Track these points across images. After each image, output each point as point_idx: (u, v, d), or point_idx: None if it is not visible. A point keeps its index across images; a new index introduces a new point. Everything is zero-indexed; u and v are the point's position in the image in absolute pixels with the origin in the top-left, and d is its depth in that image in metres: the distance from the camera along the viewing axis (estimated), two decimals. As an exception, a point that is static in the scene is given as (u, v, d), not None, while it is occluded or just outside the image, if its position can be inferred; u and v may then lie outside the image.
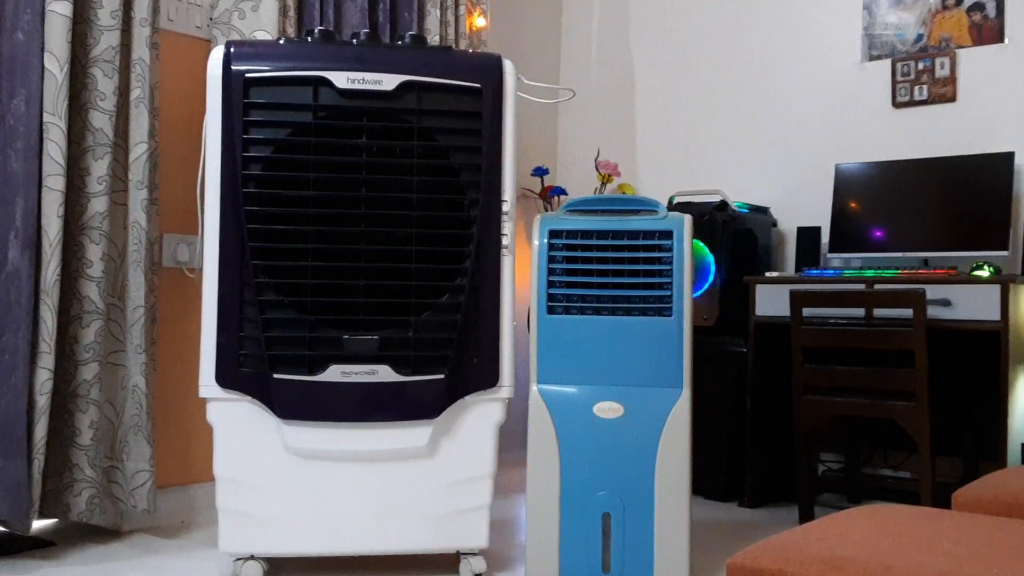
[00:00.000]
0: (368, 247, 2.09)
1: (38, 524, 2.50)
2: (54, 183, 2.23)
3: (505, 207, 2.16)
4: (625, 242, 2.15)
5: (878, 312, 2.70)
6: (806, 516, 2.77)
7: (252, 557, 2.09)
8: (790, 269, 3.41)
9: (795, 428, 2.79)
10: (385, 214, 2.09)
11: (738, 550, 2.43)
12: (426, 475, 2.10)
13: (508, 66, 2.17)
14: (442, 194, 2.13)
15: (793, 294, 2.76)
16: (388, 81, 2.08)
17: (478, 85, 2.13)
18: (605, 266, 2.14)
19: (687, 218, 2.15)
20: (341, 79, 2.06)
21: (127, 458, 2.40)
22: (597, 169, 3.80)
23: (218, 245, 2.06)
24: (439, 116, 2.12)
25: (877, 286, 2.79)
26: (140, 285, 2.40)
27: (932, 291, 2.70)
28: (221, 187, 2.05)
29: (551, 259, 2.17)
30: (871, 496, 3.07)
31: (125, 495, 2.40)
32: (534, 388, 2.15)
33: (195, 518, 2.67)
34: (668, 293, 2.12)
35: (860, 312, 2.75)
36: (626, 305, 2.13)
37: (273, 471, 2.07)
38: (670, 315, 2.12)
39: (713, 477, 3.07)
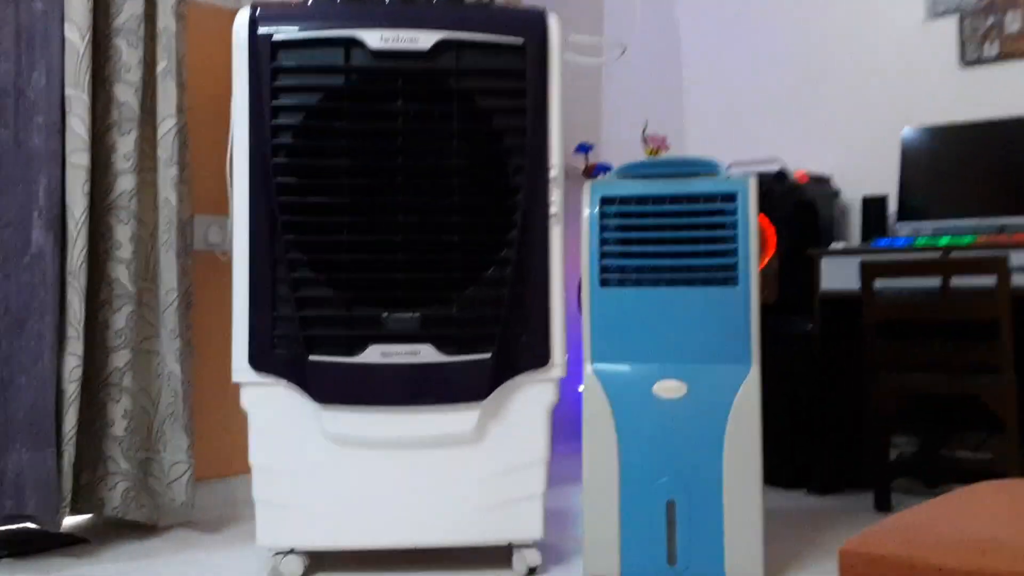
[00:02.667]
0: (407, 219, 1.95)
1: (71, 521, 2.40)
2: (78, 159, 2.13)
3: (552, 172, 2.01)
4: (684, 207, 1.98)
5: (955, 282, 2.50)
6: (883, 503, 2.58)
7: (292, 551, 1.97)
8: (855, 241, 3.21)
9: (868, 409, 2.60)
10: (424, 183, 1.95)
11: (814, 540, 2.27)
12: (474, 462, 1.96)
13: (553, 20, 2.01)
14: (484, 160, 1.98)
15: (864, 265, 2.57)
16: (424, 39, 1.93)
17: (521, 41, 1.97)
18: (663, 234, 1.98)
19: (752, 179, 1.98)
20: (374, 39, 1.92)
21: (164, 449, 2.30)
22: (645, 142, 3.63)
23: (248, 220, 1.93)
24: (479, 76, 1.97)
25: (954, 254, 2.59)
26: (172, 268, 2.29)
27: (1014, 257, 2.49)
28: (250, 158, 1.93)
29: (603, 228, 2.01)
30: (950, 480, 2.87)
31: (162, 488, 2.29)
32: (588, 367, 2.00)
33: (236, 511, 2.56)
34: (732, 261, 1.95)
35: (935, 283, 2.55)
36: (687, 275, 1.97)
37: (311, 459, 1.94)
38: (735, 284, 1.95)
39: (778, 464, 2.89)
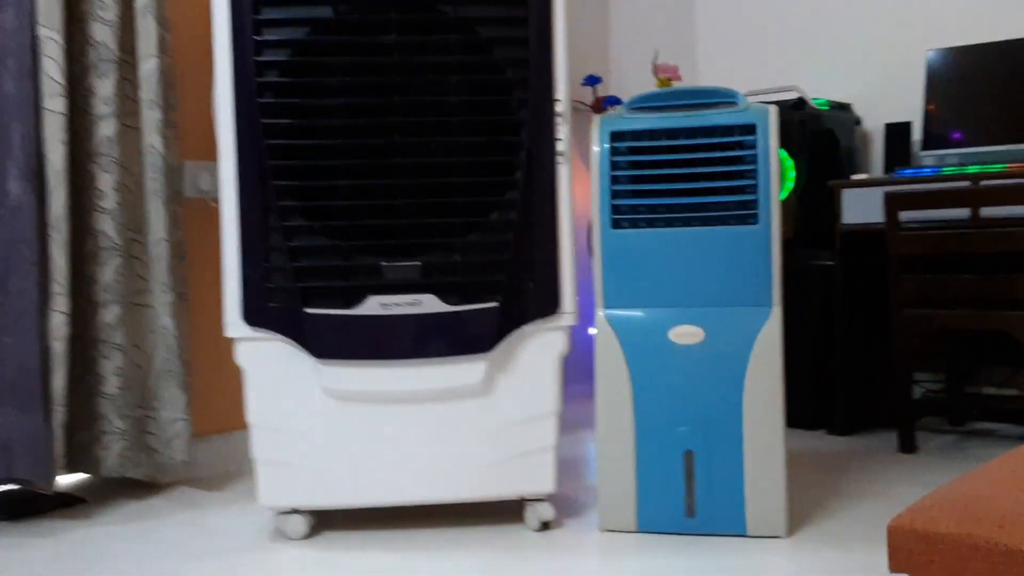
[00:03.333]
0: (404, 160, 1.82)
1: (69, 480, 2.33)
2: (55, 105, 2.00)
3: (558, 107, 1.88)
4: (700, 140, 1.85)
5: (985, 212, 2.37)
6: (907, 443, 2.49)
7: (295, 511, 1.89)
8: (877, 171, 3.07)
9: (893, 346, 2.49)
10: (421, 122, 1.82)
11: (838, 484, 2.19)
12: (483, 415, 1.87)
13: (556, -60, 1.86)
14: (486, 95, 1.85)
15: (888, 196, 2.44)
16: (417, -35, 1.79)
17: (522, -35, 1.83)
18: (677, 170, 1.86)
19: (772, 109, 1.84)
20: (363, -35, 1.77)
21: (160, 407, 2.21)
22: (655, 74, 3.47)
23: (235, 165, 1.82)
24: (479, 3, 1.82)
25: (984, 183, 2.45)
26: (161, 217, 2.18)
27: (1049, 186, 2.35)
28: (235, 98, 1.80)
29: (614, 166, 1.88)
30: (976, 418, 2.78)
31: (160, 446, 2.22)
32: (600, 314, 1.89)
33: (238, 468, 2.49)
34: (752, 197, 1.83)
35: (964, 213, 2.43)
36: (703, 214, 1.85)
37: (312, 416, 1.85)
38: (755, 222, 1.83)
39: (797, 404, 2.80)
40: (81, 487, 2.31)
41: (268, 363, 1.85)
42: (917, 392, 2.93)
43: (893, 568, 0.81)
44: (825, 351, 2.79)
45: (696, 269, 1.85)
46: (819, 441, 2.65)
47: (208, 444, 2.44)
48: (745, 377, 1.82)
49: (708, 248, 1.84)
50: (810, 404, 2.80)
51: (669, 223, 1.86)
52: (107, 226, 2.11)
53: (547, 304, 1.87)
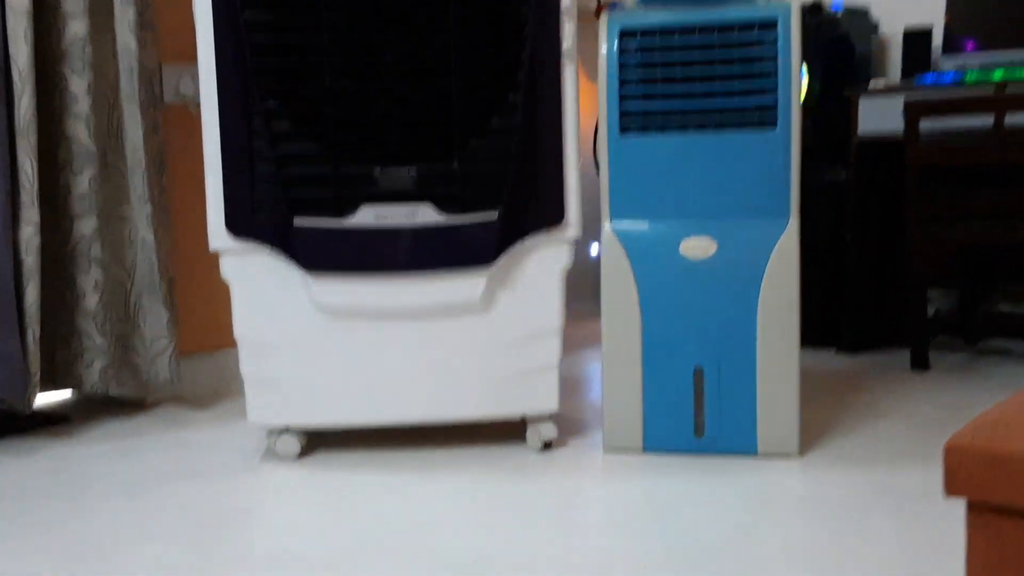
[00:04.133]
0: (398, 59, 1.69)
1: (53, 399, 2.25)
2: (17, 2, 1.85)
3: (564, 3, 1.74)
4: (716, 38, 1.72)
5: (1010, 120, 2.25)
6: (920, 361, 2.41)
7: (287, 430, 1.81)
8: (895, 79, 2.92)
9: (908, 262, 2.39)
10: (416, 17, 1.68)
11: (850, 403, 2.11)
12: (483, 332, 1.77)
13: None
14: (485, -12, 1.71)
15: (908, 105, 2.31)
16: None
17: None
18: (691, 70, 1.73)
19: (794, 3, 1.71)
20: None
21: (143, 323, 2.11)
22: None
23: (215, 64, 1.68)
24: None
25: (1009, 89, 2.32)
26: (138, 123, 2.05)
27: (1079, 92, 2.23)
28: (212, -10, 1.66)
29: (623, 67, 1.75)
30: (991, 335, 2.70)
31: (145, 364, 2.13)
32: (607, 226, 1.78)
33: (228, 387, 2.41)
34: (771, 100, 1.70)
35: (987, 122, 2.30)
36: (719, 117, 1.73)
37: (303, 333, 1.75)
38: (774, 127, 1.71)
39: (805, 321, 2.71)
40: (64, 406, 2.23)
41: (255, 277, 1.74)
42: (930, 310, 2.84)
43: (951, 491, 0.73)
44: (835, 267, 2.70)
45: (709, 178, 1.74)
46: (828, 359, 2.58)
47: (195, 362, 2.35)
48: (760, 292, 1.73)
49: (722, 155, 1.73)
50: (819, 321, 2.71)
51: (681, 128, 1.74)
52: (80, 132, 1.98)
53: (551, 215, 1.76)
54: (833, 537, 1.34)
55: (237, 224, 1.71)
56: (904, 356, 2.58)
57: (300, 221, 1.70)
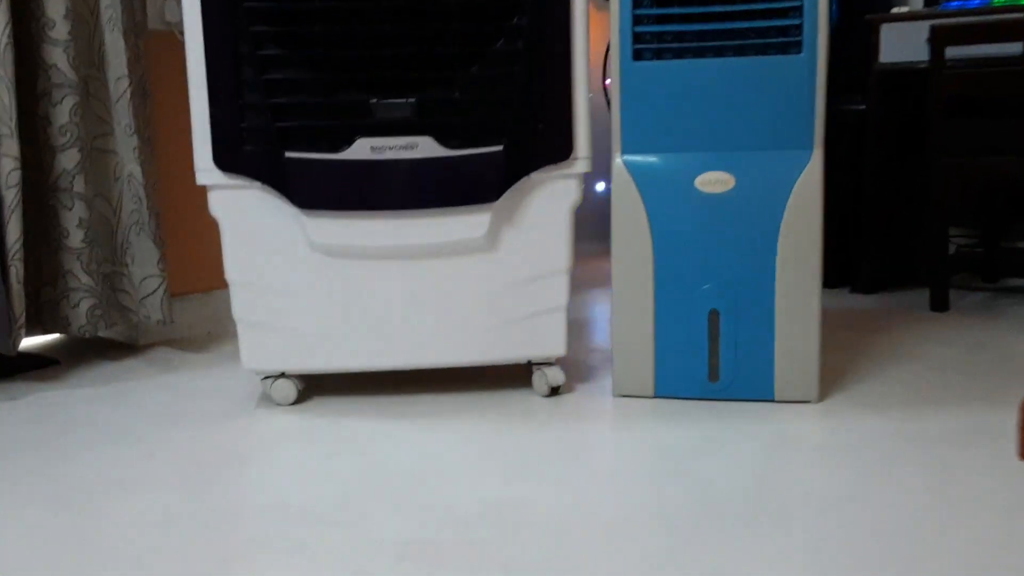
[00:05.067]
0: (395, -22, 1.57)
1: (38, 341, 2.17)
2: (-14, -85, 1.73)
3: (574, -84, 1.61)
4: (737, -44, 1.60)
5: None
6: (939, 301, 2.33)
7: (283, 375, 1.74)
8: (918, 4, 2.79)
9: (929, 198, 2.29)
10: (414, -69, 1.56)
11: (868, 345, 2.03)
12: (487, 273, 1.68)
13: None
14: (489, -100, 1.58)
15: (935, 30, 2.19)
16: None
17: None
18: (710, -9, 1.61)
19: (823, -83, 1.58)
20: None
21: (131, 262, 2.02)
22: None
23: (198, -16, 1.56)
24: None
25: (1043, 15, 2.20)
26: (120, 50, 1.93)
27: (1118, 17, 2.11)
28: (193, -97, 1.53)
29: (636, -13, 1.63)
30: (1010, 274, 2.61)
31: (134, 305, 2.04)
32: (618, 160, 1.68)
33: (223, 329, 2.33)
34: (797, 21, 1.59)
35: (1015, 50, 2.18)
36: (739, 41, 1.61)
37: (297, 273, 1.67)
38: (799, 51, 1.59)
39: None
40: (53, 348, 2.15)
41: (246, 214, 1.65)
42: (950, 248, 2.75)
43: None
44: (852, 204, 2.60)
45: (728, 107, 1.63)
46: (843, 300, 2.49)
47: (188, 303, 2.27)
48: (780, 229, 1.63)
49: (743, 82, 1.62)
50: (834, 261, 2.62)
51: (698, 53, 1.63)
52: (59, 60, 1.86)
53: (558, 148, 1.66)
54: (855, 487, 1.27)
55: (225, 158, 1.61)
56: (921, 296, 2.49)
57: (292, 154, 1.59)
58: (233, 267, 1.67)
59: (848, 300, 2.48)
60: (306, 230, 1.64)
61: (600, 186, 3.39)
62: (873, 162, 2.50)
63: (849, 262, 2.60)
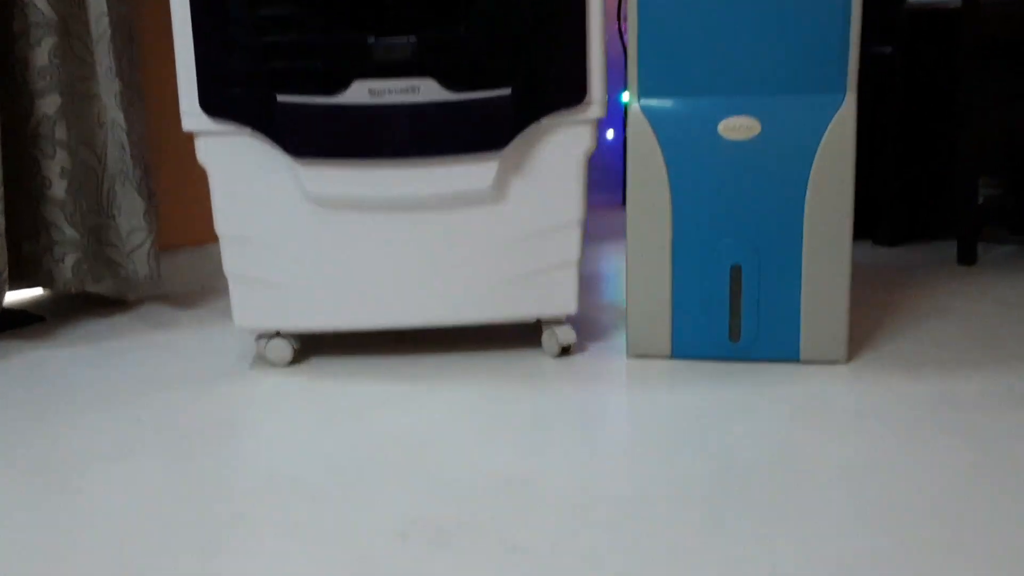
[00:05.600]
0: (394, -96, 1.44)
1: (23, 297, 2.08)
2: None
3: None
4: None
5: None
6: (967, 254, 2.22)
7: (278, 334, 1.64)
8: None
9: (960, 146, 2.17)
10: None
11: (895, 301, 1.92)
12: (494, 226, 1.58)
13: None
14: None
15: (971, -35, 2.05)
16: None
17: None
18: (737, -81, 1.48)
19: None
20: None
21: (118, 214, 1.92)
22: None
23: (180, -89, 1.44)
24: None
25: (1086, -50, 2.06)
26: (101, -13, 1.81)
27: None
28: None
29: (656, -85, 1.50)
30: (1039, 227, 2.50)
31: (122, 259, 1.94)
32: (634, 105, 1.57)
33: (215, 285, 2.23)
34: (832, -47, 1.46)
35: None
36: (768, -25, 1.49)
37: (292, 227, 1.56)
38: (833, -14, 1.47)
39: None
40: (39, 305, 2.06)
41: (236, 162, 1.54)
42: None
43: None
44: (876, 153, 2.47)
45: (754, 47, 1.51)
46: (865, 253, 2.39)
47: (179, 257, 2.17)
48: (809, 179, 1.52)
49: (770, 18, 1.49)
50: (855, 212, 2.51)
51: (723, -12, 1.50)
52: (35, -4, 1.74)
53: (571, 92, 1.54)
54: (890, 455, 1.18)
55: (212, 101, 1.50)
56: (945, 248, 2.39)
57: (284, 98, 1.48)
58: (223, 220, 1.56)
59: (870, 253, 2.38)
60: (300, 180, 1.53)
61: (611, 133, 3.26)
62: (899, 108, 2.38)
63: (871, 214, 2.49)
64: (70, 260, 1.85)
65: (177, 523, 1.04)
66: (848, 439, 1.25)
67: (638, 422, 1.33)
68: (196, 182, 2.18)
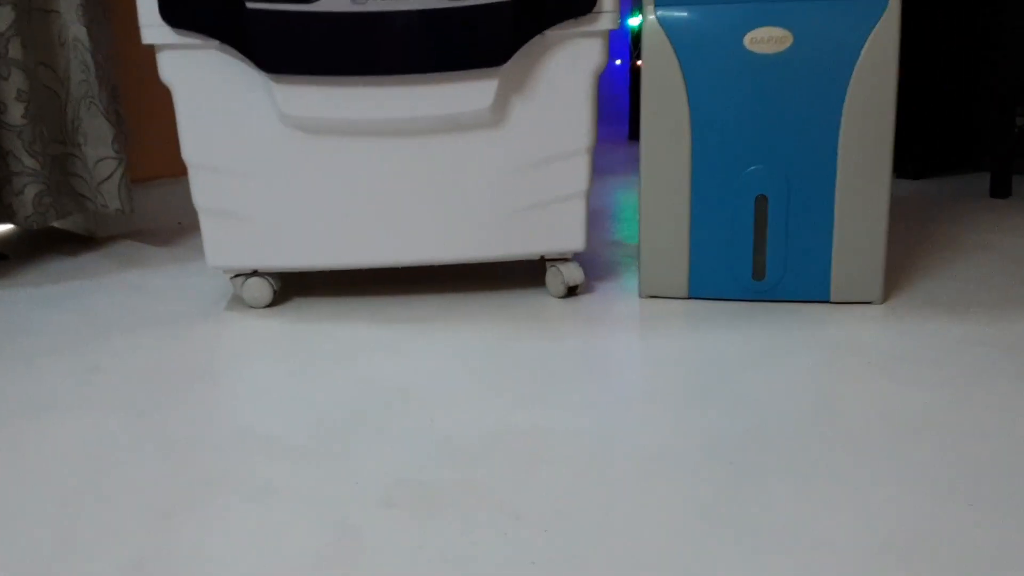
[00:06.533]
0: None
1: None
2: None
3: None
4: None
5: None
6: (1001, 186, 2.06)
7: (256, 273, 1.49)
8: None
9: (994, 74, 2.00)
10: None
11: (929, 236, 1.74)
12: (492, 152, 1.42)
13: None
14: None
15: None
16: None
17: None
18: None
19: None
20: None
21: (84, 142, 1.76)
22: None
23: None
24: None
25: None
26: None
27: None
28: None
29: None
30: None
31: (90, 191, 1.79)
32: (650, 15, 1.40)
33: (191, 220, 2.08)
34: None
35: None
36: None
37: (268, 154, 1.40)
38: None
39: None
40: (3, 242, 1.91)
41: (203, 81, 1.38)
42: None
43: None
44: (904, 82, 2.30)
45: (786, -53, 1.34)
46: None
47: (152, 190, 2.01)
48: (845, 99, 1.36)
49: (807, -85, 1.32)
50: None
51: None
52: None
53: (579, 0, 1.37)
54: (935, 406, 1.04)
55: (174, 11, 1.33)
56: (975, 181, 2.23)
57: (254, 4, 1.31)
58: (191, 146, 1.40)
59: (896, 186, 2.22)
60: (275, 100, 1.37)
61: (617, 62, 3.08)
62: (926, 29, 2.20)
63: (896, 144, 2.33)
64: (30, 192, 1.69)
65: (134, 484, 0.91)
66: (887, 388, 1.11)
67: (654, 368, 1.19)
68: (172, 106, 2.02)
